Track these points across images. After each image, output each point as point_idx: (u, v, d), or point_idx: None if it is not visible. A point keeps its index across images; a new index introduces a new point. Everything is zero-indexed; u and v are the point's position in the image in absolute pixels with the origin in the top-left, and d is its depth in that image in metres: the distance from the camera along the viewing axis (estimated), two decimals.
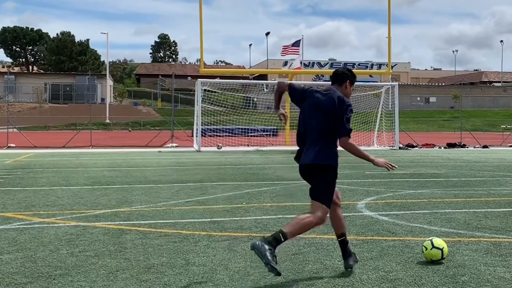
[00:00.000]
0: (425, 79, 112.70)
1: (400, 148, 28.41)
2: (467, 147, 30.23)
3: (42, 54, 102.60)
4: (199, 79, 28.51)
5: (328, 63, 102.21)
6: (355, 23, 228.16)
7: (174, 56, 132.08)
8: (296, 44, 36.26)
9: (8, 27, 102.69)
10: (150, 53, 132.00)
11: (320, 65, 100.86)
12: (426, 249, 5.58)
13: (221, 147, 27.25)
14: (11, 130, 30.91)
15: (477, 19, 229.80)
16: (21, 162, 18.62)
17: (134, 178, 13.58)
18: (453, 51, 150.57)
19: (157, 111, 72.84)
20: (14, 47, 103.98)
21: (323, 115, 5.15)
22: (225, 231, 7.15)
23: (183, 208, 8.92)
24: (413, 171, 15.39)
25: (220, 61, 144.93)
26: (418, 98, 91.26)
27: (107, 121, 62.93)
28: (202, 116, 27.80)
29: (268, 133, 32.20)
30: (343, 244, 5.40)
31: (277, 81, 5.86)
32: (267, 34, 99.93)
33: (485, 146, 30.40)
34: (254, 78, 77.10)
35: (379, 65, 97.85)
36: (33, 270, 5.28)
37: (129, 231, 7.07)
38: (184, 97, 71.57)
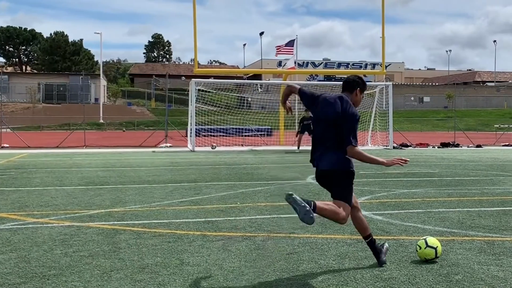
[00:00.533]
0: (419, 79, 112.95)
1: (394, 147, 28.47)
2: (461, 147, 30.32)
3: (35, 54, 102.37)
4: (193, 79, 28.49)
5: (322, 63, 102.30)
6: (349, 23, 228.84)
7: (168, 56, 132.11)
8: (290, 44, 36.28)
9: (2, 27, 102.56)
10: (144, 53, 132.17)
11: (314, 65, 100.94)
12: (420, 248, 5.59)
13: (215, 147, 27.25)
14: (5, 130, 30.81)
15: (470, 19, 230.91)
16: (14, 162, 18.56)
17: (128, 178, 13.56)
18: (447, 51, 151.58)
19: (151, 111, 72.77)
20: (7, 47, 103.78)
21: (329, 123, 5.26)
22: (219, 231, 7.15)
23: (177, 208, 8.91)
24: (407, 171, 15.41)
25: (214, 61, 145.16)
26: (412, 98, 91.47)
27: (101, 121, 62.83)
28: (196, 116, 27.78)
29: (263, 133, 32.22)
30: (371, 244, 5.52)
31: (285, 82, 5.92)
32: (261, 34, 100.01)
33: (478, 146, 30.50)
34: (248, 78, 77.14)
35: (373, 65, 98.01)
36: (27, 270, 5.27)
37: (123, 231, 7.06)
38: (178, 97, 71.52)
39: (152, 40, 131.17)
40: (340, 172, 5.25)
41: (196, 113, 27.85)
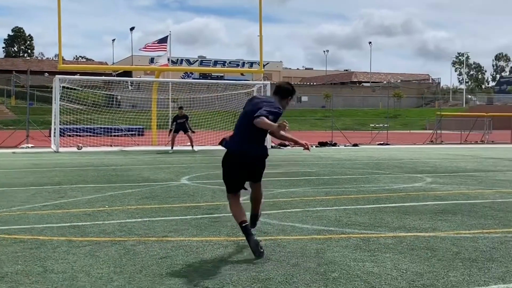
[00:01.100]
0: (297, 78, 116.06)
1: (272, 147, 29.03)
2: (338, 146, 31.52)
3: None
4: (57, 76, 27.53)
5: (197, 60, 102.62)
6: (225, 20, 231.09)
7: (29, 51, 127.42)
8: (164, 40, 36.04)
9: None
10: (3, 48, 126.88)
11: (189, 62, 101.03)
12: None
13: (81, 148, 26.51)
14: None
15: (346, 20, 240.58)
16: None
17: None
18: (324, 51, 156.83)
19: (10, 109, 69.70)
20: None
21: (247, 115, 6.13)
22: (86, 236, 6.97)
23: (40, 213, 8.58)
24: (285, 170, 15.80)
25: (80, 56, 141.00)
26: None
27: None
28: (60, 114, 26.89)
29: (133, 132, 31.76)
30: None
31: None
32: (132, 29, 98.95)
33: (355, 145, 31.84)
34: (118, 75, 75.76)
35: (251, 64, 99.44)
36: None
37: None
38: (40, 94, 68.99)
39: (12, 34, 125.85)
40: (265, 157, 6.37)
41: (60, 111, 26.96)
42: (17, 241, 6.59)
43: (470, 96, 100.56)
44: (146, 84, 40.02)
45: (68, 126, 29.81)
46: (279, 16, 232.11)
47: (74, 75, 35.86)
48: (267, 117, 5.87)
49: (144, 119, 33.69)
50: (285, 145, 30.73)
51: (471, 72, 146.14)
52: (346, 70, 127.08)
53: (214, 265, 5.62)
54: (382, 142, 34.57)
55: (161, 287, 4.91)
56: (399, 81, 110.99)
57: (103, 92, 38.30)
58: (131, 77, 73.15)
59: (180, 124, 25.11)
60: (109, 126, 31.74)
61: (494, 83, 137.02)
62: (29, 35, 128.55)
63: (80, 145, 26.98)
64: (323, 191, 11.33)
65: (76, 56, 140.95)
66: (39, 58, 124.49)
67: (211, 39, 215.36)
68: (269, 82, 32.64)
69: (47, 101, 55.57)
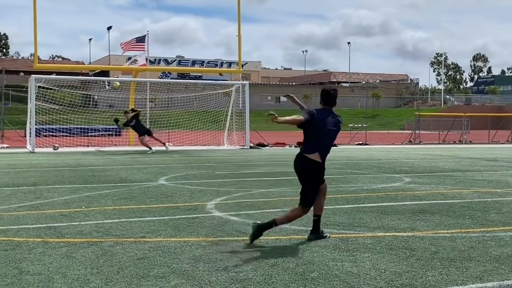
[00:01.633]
0: (276, 79, 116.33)
1: (251, 147, 29.06)
2: None
3: None
4: (32, 75, 27.31)
5: (175, 60, 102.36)
6: (203, 20, 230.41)
7: (4, 50, 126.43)
8: (142, 39, 35.87)
9: None
10: None
11: (167, 62, 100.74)
12: None
13: (57, 148, 26.30)
14: None
15: (325, 20, 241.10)
16: None
17: None
18: (303, 51, 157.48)
19: None
20: None
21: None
22: (62, 237, 6.92)
23: (15, 214, 8.50)
24: (264, 170, 15.80)
25: (56, 56, 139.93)
26: (269, 98, 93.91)
27: None
28: (36, 114, 26.65)
29: (110, 132, 31.56)
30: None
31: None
32: (109, 28, 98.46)
33: (334, 145, 31.86)
34: (95, 75, 75.27)
35: (229, 64, 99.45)
36: None
37: None
38: (16, 94, 68.22)
39: None
40: None
41: (36, 111, 26.72)
42: None
43: (448, 96, 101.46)
44: (123, 84, 39.85)
45: (44, 126, 29.56)
46: (257, 16, 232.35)
47: (50, 74, 35.55)
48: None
49: (121, 119, 33.49)
50: (264, 145, 30.77)
51: (450, 73, 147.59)
52: (325, 70, 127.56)
53: (192, 265, 5.61)
54: (361, 142, 34.76)
55: None
56: (377, 81, 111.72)
57: (79, 92, 38.02)
58: (109, 76, 72.74)
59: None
60: (86, 126, 31.53)
61: (472, 84, 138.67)
62: (4, 34, 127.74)
63: (56, 145, 26.77)
64: None
65: (52, 55, 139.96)
66: (14, 57, 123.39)
67: (189, 38, 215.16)
68: (247, 82, 32.63)
69: (23, 101, 55.09)
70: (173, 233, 7.15)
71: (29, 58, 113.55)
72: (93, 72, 78.91)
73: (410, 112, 74.15)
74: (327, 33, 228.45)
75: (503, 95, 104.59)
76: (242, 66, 34.08)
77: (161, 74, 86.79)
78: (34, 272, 5.33)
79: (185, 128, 33.36)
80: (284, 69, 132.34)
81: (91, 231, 7.24)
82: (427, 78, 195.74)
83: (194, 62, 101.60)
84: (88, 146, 28.56)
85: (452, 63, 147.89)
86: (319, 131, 6.74)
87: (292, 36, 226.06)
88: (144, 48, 35.46)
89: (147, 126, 26.97)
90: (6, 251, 6.12)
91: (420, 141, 37.20)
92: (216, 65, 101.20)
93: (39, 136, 27.14)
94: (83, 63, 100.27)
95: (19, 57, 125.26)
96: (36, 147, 25.19)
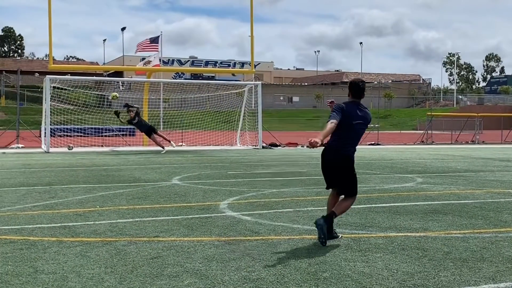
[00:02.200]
0: (288, 79, 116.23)
1: (263, 147, 29.05)
2: None
3: None
4: (47, 76, 27.43)
5: (189, 60, 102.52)
6: (216, 21, 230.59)
7: (20, 50, 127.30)
8: (155, 40, 36.02)
9: None
10: None
11: (180, 62, 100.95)
12: None
13: (72, 148, 26.43)
14: None
15: (337, 20, 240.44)
16: None
17: None
18: (315, 52, 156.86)
19: (0, 110, 69.45)
20: None
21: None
22: (77, 236, 6.95)
23: (30, 213, 8.55)
24: (276, 170, 15.79)
25: (71, 56, 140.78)
26: (282, 98, 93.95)
27: None
28: (51, 115, 26.80)
29: (124, 132, 31.70)
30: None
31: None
32: (123, 29, 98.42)
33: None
34: (109, 75, 75.61)
35: (242, 64, 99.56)
36: None
37: None
38: (31, 94, 68.74)
39: (2, 34, 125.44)
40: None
41: (51, 112, 26.87)
42: (7, 242, 6.56)
43: (460, 97, 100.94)
44: (137, 84, 39.97)
45: (58, 126, 29.70)
46: (270, 16, 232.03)
47: (64, 75, 35.75)
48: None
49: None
50: (276, 145, 30.76)
51: (462, 73, 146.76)
52: (337, 71, 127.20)
53: (205, 265, 5.62)
54: (373, 142, 34.65)
55: (152, 287, 4.91)
56: (389, 81, 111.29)
57: (94, 92, 38.19)
58: (122, 77, 73.03)
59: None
60: (100, 126, 31.64)
61: (484, 84, 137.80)
62: (19, 35, 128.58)
63: (71, 145, 26.90)
64: (314, 191, 11.34)
65: (67, 56, 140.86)
66: (29, 58, 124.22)
67: (202, 39, 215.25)
68: (260, 82, 32.62)
69: (38, 101, 55.44)
70: (186, 233, 7.16)
71: (44, 58, 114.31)
72: (107, 73, 79.24)
73: (422, 112, 73.81)
74: (339, 33, 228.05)
75: None
76: (255, 66, 34.09)
77: (175, 75, 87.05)
78: (48, 271, 5.35)
79: (198, 128, 33.43)
80: (297, 69, 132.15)
81: (105, 231, 7.27)
82: (439, 78, 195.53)
83: (207, 63, 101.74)
84: (102, 146, 28.67)
85: (465, 63, 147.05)
86: (347, 125, 6.74)
87: (304, 37, 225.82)
88: (157, 48, 35.64)
89: (154, 125, 27.17)
90: (21, 250, 6.16)
91: (433, 141, 37.05)
92: (229, 65, 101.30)
93: (54, 136, 27.27)
94: (98, 64, 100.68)
95: (34, 58, 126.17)
96: (51, 147, 25.32)
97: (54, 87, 28.37)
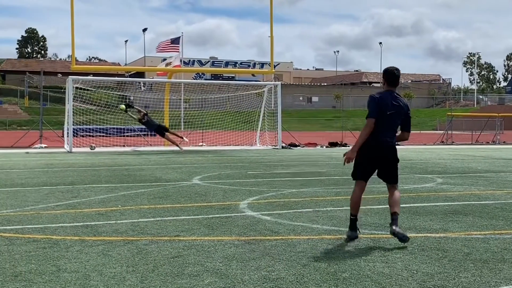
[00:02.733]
0: (308, 79, 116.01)
1: (283, 147, 29.04)
2: (348, 146, 31.42)
3: None
4: (70, 76, 27.68)
5: (209, 61, 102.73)
6: (236, 21, 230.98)
7: (43, 51, 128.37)
8: (176, 41, 36.15)
9: None
10: (17, 49, 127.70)
11: (200, 63, 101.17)
12: None
13: (94, 148, 26.63)
14: None
15: (356, 20, 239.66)
16: None
17: None
18: (335, 52, 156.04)
19: (24, 110, 70.16)
20: None
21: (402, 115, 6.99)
22: (99, 235, 6.99)
23: (53, 212, 8.62)
24: (296, 170, 15.78)
25: (93, 57, 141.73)
26: (301, 98, 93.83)
27: None
28: (73, 115, 27.04)
29: (146, 132, 31.88)
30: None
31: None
32: (144, 30, 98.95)
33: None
34: (131, 76, 76.06)
35: (262, 64, 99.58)
36: None
37: None
38: (54, 95, 69.39)
39: (25, 35, 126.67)
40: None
41: (73, 112, 27.11)
42: (31, 241, 6.62)
43: (481, 97, 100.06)
44: (158, 85, 40.13)
45: (81, 127, 29.95)
46: (289, 16, 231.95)
47: (87, 76, 36.03)
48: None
49: (157, 120, 33.77)
50: (296, 145, 30.72)
51: (482, 72, 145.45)
52: (357, 71, 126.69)
53: (225, 264, 5.63)
54: None
55: (173, 286, 4.92)
56: (409, 81, 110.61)
57: (116, 92, 38.44)
58: (144, 78, 73.37)
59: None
60: (122, 127, 31.84)
61: (505, 83, 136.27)
62: (42, 36, 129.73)
63: (93, 145, 27.10)
64: (334, 191, 11.31)
65: (89, 57, 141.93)
66: (52, 59, 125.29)
67: (222, 40, 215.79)
68: (280, 82, 32.60)
69: (60, 102, 55.90)
70: (206, 232, 7.18)
71: (67, 59, 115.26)
72: (129, 74, 79.70)
73: (443, 112, 73.31)
74: (358, 33, 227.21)
75: None
76: (274, 67, 34.07)
77: (195, 75, 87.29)
78: (71, 270, 5.39)
79: (219, 128, 33.51)
80: (316, 69, 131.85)
81: (127, 230, 7.30)
82: (459, 78, 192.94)
83: (227, 63, 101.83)
84: (124, 146, 28.85)
85: (485, 63, 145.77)
86: (383, 116, 6.67)
87: (324, 37, 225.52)
88: (178, 49, 35.73)
89: (174, 125, 27.37)
90: (44, 249, 6.21)
91: (453, 142, 36.78)
92: (249, 66, 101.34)
93: (77, 136, 27.50)
94: (119, 65, 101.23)
95: (57, 59, 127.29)
96: (73, 147, 25.53)
97: (76, 88, 28.60)
